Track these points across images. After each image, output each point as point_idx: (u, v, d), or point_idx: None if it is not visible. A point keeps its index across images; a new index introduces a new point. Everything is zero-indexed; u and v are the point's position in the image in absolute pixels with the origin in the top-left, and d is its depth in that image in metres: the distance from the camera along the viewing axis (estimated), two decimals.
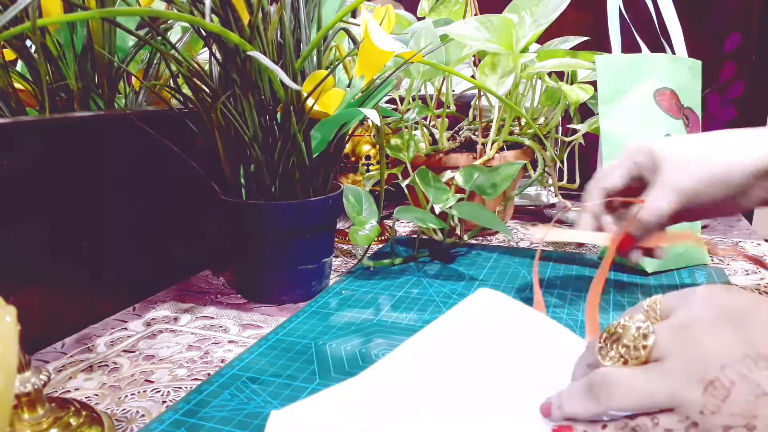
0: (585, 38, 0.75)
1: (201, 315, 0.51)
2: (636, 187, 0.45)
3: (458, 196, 0.63)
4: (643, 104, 0.59)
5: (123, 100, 0.58)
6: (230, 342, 0.46)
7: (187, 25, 0.58)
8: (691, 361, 0.26)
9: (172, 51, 0.49)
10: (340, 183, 0.58)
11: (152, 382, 0.40)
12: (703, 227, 0.77)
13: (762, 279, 0.56)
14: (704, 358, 0.26)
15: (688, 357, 0.26)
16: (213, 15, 0.45)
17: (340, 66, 0.55)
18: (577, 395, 0.30)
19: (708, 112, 1.13)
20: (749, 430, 0.25)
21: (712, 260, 0.62)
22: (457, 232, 0.69)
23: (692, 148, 0.42)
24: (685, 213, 0.42)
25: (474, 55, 0.76)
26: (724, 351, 0.26)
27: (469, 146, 0.76)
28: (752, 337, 0.26)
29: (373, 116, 0.47)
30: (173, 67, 0.50)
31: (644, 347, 0.28)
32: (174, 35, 0.62)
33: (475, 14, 0.74)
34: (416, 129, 0.77)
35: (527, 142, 0.74)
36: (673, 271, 0.59)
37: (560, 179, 0.81)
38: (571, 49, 0.73)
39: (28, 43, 0.50)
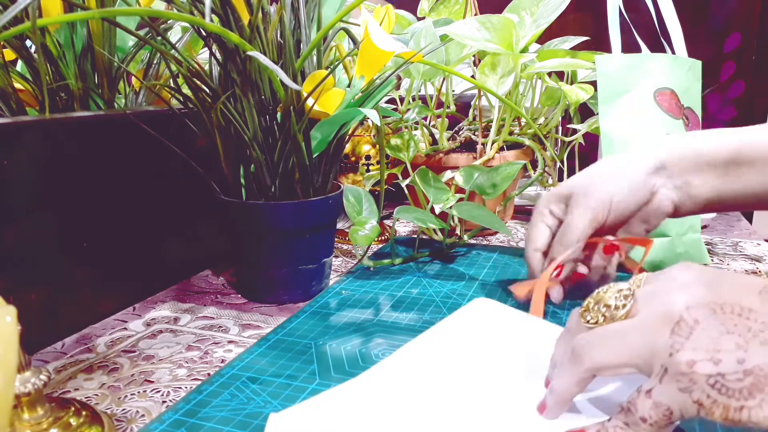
0: (585, 38, 0.75)
1: (201, 315, 0.51)
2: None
3: (458, 196, 0.63)
4: (643, 104, 0.59)
5: (123, 100, 0.58)
6: (230, 342, 0.46)
7: (187, 25, 0.59)
8: (661, 308, 0.28)
9: (172, 51, 0.49)
10: (340, 183, 0.58)
11: (152, 382, 0.40)
12: (704, 227, 0.77)
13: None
14: (672, 302, 0.27)
15: (659, 306, 0.28)
16: (213, 15, 0.45)
17: (340, 66, 0.55)
18: (563, 368, 0.31)
19: (708, 112, 1.13)
20: (715, 363, 0.25)
21: (711, 260, 0.62)
22: (457, 232, 0.69)
23: (593, 171, 0.46)
24: (605, 226, 0.45)
25: (474, 55, 0.76)
26: (691, 298, 0.27)
27: (469, 146, 0.76)
28: (720, 290, 0.27)
29: (373, 116, 0.47)
30: (173, 67, 0.50)
31: (624, 306, 0.30)
32: (174, 35, 0.62)
33: (475, 14, 0.74)
34: (416, 129, 0.77)
35: (527, 142, 0.74)
36: None
37: (560, 179, 0.81)
38: (571, 49, 0.73)
39: (28, 43, 0.50)
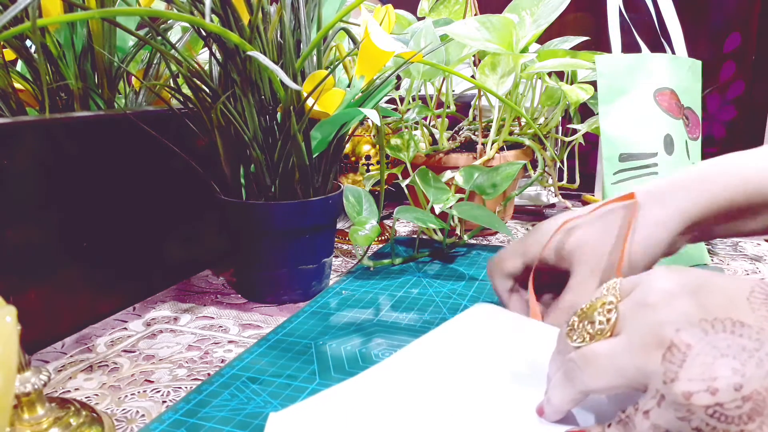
0: (585, 38, 0.75)
1: (201, 315, 0.51)
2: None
3: (458, 196, 0.63)
4: (643, 104, 0.59)
5: (123, 100, 0.58)
6: (230, 342, 0.46)
7: (187, 25, 0.59)
8: (649, 328, 0.26)
9: (172, 51, 0.49)
10: (340, 183, 0.58)
11: (152, 382, 0.40)
12: None
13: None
14: (660, 323, 0.26)
15: (646, 326, 0.27)
16: (213, 15, 0.45)
17: (340, 66, 0.55)
18: (558, 384, 0.30)
19: (708, 112, 1.13)
20: (712, 393, 0.24)
21: (711, 260, 0.62)
22: (457, 232, 0.69)
23: (603, 227, 0.41)
24: None
25: (474, 55, 0.76)
26: (680, 317, 0.26)
27: (469, 146, 0.76)
28: (708, 303, 0.26)
29: (373, 116, 0.47)
30: (173, 67, 0.50)
31: (608, 320, 0.28)
32: (174, 35, 0.62)
33: (475, 14, 0.74)
34: (416, 129, 0.77)
35: (527, 142, 0.74)
36: None
37: (560, 179, 0.81)
38: (571, 49, 0.73)
39: (28, 43, 0.50)
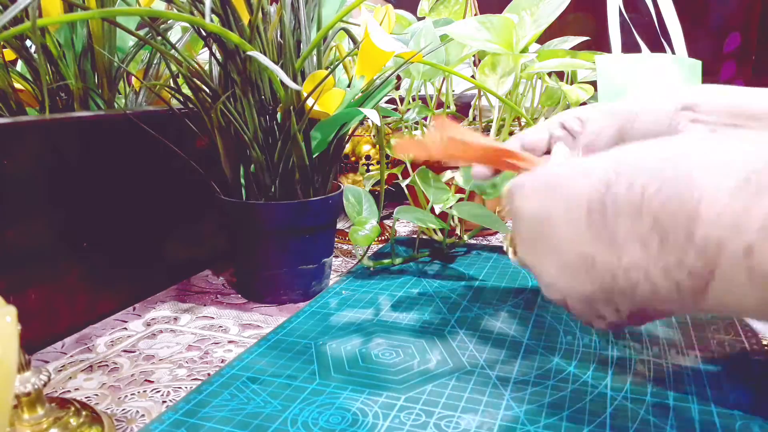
0: (585, 38, 0.75)
1: (201, 315, 0.51)
2: None
3: (458, 196, 0.63)
4: None
5: (123, 100, 0.58)
6: (230, 342, 0.46)
7: (187, 25, 0.59)
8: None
9: (172, 51, 0.49)
10: (340, 183, 0.58)
11: (152, 382, 0.40)
12: None
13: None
14: (540, 283, 0.31)
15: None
16: (213, 15, 0.45)
17: (340, 66, 0.55)
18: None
19: None
20: (602, 318, 0.28)
21: None
22: (457, 232, 0.69)
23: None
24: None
25: (474, 55, 0.76)
26: (545, 271, 0.29)
27: None
28: (557, 239, 0.28)
29: (373, 116, 0.47)
30: (173, 67, 0.50)
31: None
32: (174, 35, 0.62)
33: (475, 14, 0.74)
34: (416, 129, 0.77)
35: None
36: None
37: None
38: (571, 49, 0.73)
39: (28, 43, 0.50)
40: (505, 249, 0.34)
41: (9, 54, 0.50)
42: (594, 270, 0.26)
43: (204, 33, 0.48)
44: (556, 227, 0.27)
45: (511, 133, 0.75)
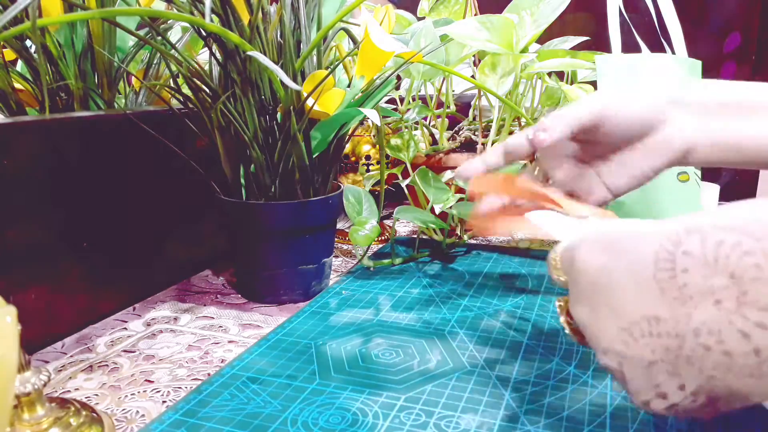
0: (585, 38, 0.75)
1: (201, 315, 0.51)
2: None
3: (458, 196, 0.63)
4: None
5: (123, 100, 0.58)
6: (230, 342, 0.46)
7: (187, 25, 0.59)
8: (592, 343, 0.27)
9: (172, 51, 0.49)
10: (340, 183, 0.58)
11: (152, 382, 0.40)
12: None
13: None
14: (595, 349, 0.26)
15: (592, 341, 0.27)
16: (213, 15, 0.45)
17: (340, 66, 0.55)
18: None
19: None
20: (663, 398, 0.24)
21: None
22: (457, 232, 0.69)
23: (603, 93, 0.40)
24: (599, 140, 0.39)
25: (474, 55, 0.76)
26: (603, 337, 0.26)
27: (469, 146, 0.76)
28: (618, 303, 0.25)
29: (373, 116, 0.47)
30: (173, 67, 0.50)
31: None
32: (174, 35, 0.62)
33: (475, 14, 0.74)
34: (416, 129, 0.77)
35: None
36: None
37: None
38: (571, 49, 0.73)
39: (28, 43, 0.50)
40: (558, 314, 0.31)
41: (9, 54, 0.50)
42: (658, 332, 0.23)
43: (204, 33, 0.48)
44: (619, 286, 0.25)
45: (510, 133, 0.75)
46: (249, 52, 0.42)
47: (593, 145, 0.39)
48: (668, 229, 0.24)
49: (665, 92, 0.38)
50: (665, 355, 0.23)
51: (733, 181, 1.07)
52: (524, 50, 0.67)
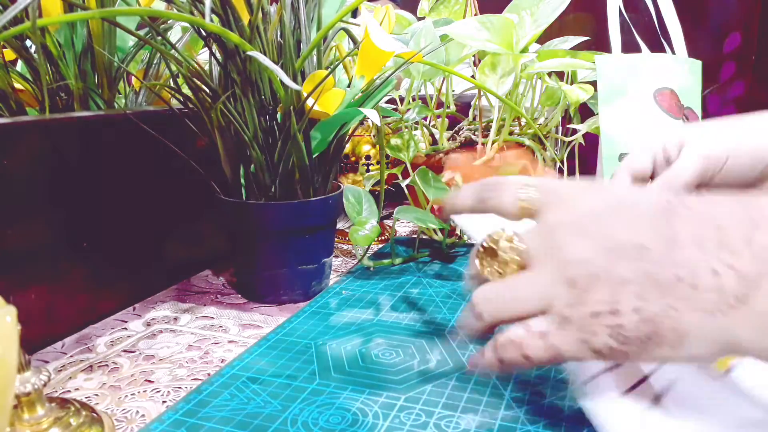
0: (585, 38, 0.75)
1: (201, 315, 0.51)
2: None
3: None
4: (643, 104, 0.59)
5: (123, 100, 0.58)
6: (230, 342, 0.46)
7: (187, 25, 0.58)
8: (556, 263, 0.28)
9: (172, 51, 0.49)
10: (340, 183, 0.58)
11: (152, 382, 0.40)
12: None
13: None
14: (567, 259, 0.27)
15: (554, 261, 0.28)
16: (213, 15, 0.45)
17: (340, 66, 0.55)
18: (468, 316, 0.32)
19: (708, 112, 1.13)
20: (614, 314, 0.25)
21: None
22: (457, 232, 0.69)
23: (721, 124, 0.38)
24: (712, 184, 0.38)
25: (474, 55, 0.76)
26: (586, 249, 0.27)
27: (469, 146, 0.76)
28: (612, 229, 0.27)
29: (373, 116, 0.47)
30: (173, 67, 0.50)
31: (516, 260, 0.30)
32: (174, 35, 0.62)
33: (475, 14, 0.74)
34: (416, 129, 0.77)
35: (527, 142, 0.74)
36: None
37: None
38: (571, 49, 0.73)
39: (28, 43, 0.50)
40: (479, 257, 0.32)
41: (9, 54, 0.50)
42: (642, 259, 0.26)
43: (204, 33, 0.48)
44: (615, 217, 0.27)
45: (511, 133, 0.76)
46: (249, 52, 0.42)
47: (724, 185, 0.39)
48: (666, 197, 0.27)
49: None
50: (640, 278, 0.25)
51: None
52: (524, 50, 0.67)
